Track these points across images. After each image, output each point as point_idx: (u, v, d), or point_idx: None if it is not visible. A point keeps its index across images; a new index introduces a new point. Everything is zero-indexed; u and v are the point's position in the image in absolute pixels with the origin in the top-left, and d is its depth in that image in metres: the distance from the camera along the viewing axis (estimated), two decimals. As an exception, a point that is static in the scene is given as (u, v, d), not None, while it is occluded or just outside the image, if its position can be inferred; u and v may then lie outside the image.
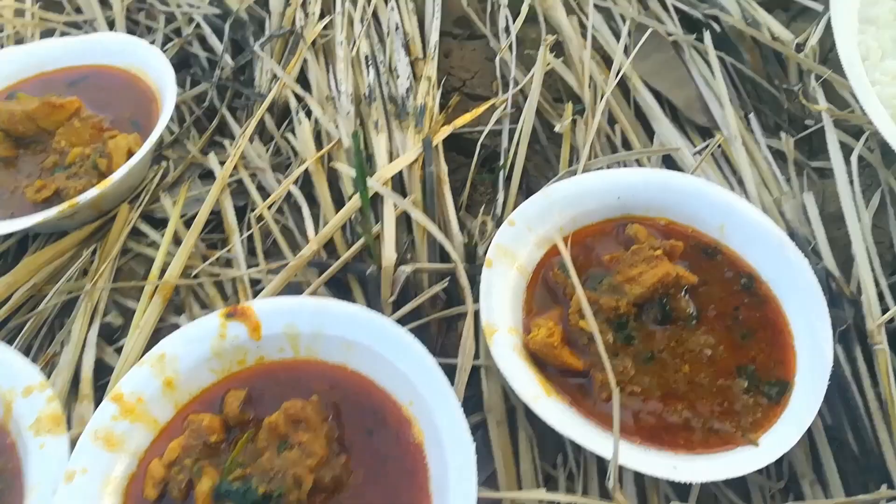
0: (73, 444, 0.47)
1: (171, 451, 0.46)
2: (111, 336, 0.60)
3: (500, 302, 0.55)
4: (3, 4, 0.82)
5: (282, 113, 0.74)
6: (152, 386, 0.48)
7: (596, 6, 0.78)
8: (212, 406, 0.49)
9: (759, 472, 0.51)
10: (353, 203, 0.62)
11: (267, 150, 0.71)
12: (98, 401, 0.55)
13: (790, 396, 0.52)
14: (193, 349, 0.50)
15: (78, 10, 0.85)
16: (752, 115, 0.72)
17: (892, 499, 0.48)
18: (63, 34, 0.82)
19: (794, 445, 0.49)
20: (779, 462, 0.52)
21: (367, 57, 0.75)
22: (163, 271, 0.62)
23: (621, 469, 0.48)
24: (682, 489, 0.50)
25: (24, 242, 0.66)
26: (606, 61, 0.75)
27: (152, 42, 0.80)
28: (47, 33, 0.82)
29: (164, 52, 0.75)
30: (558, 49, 0.75)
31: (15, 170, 0.67)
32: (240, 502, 0.43)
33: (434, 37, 0.77)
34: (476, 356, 0.55)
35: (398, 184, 0.65)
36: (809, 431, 0.52)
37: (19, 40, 0.81)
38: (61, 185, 0.64)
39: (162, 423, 0.48)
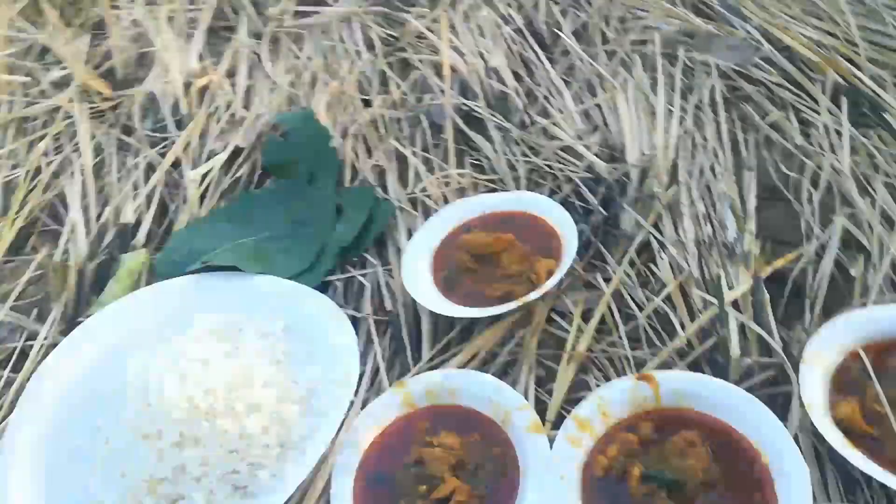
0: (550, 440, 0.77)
1: (610, 451, 0.74)
2: (539, 383, 0.90)
3: (812, 388, 0.78)
4: (452, 172, 1.19)
5: (640, 248, 1.02)
6: (594, 413, 0.76)
7: (884, 183, 1.01)
8: (629, 429, 0.76)
9: None
10: (707, 315, 0.89)
11: (632, 272, 0.99)
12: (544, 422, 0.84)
13: None
14: (618, 395, 0.77)
15: (493, 171, 1.19)
16: None
17: None
18: (484, 189, 1.16)
19: None
20: None
21: (703, 215, 1.02)
22: (573, 347, 0.91)
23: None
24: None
25: (472, 320, 0.98)
26: (889, 222, 0.96)
27: (542, 193, 1.13)
28: (474, 187, 1.17)
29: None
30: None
31: (476, 277, 0.99)
32: (660, 482, 0.69)
33: (751, 202, 1.02)
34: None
35: (734, 305, 0.91)
36: None
37: (461, 191, 1.16)
38: (508, 288, 0.96)
39: (599, 435, 0.76)
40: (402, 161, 1.24)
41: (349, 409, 0.84)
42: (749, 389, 0.81)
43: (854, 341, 0.82)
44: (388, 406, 0.84)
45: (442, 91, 1.30)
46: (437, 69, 1.35)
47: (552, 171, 1.16)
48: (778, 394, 0.81)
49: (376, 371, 0.93)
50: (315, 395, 0.87)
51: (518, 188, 1.14)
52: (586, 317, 0.94)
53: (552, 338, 0.95)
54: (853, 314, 0.83)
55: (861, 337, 0.82)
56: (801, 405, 0.77)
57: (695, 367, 0.86)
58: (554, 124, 1.21)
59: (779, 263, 0.94)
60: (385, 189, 1.19)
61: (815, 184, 1.03)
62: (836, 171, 1.03)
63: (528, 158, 1.18)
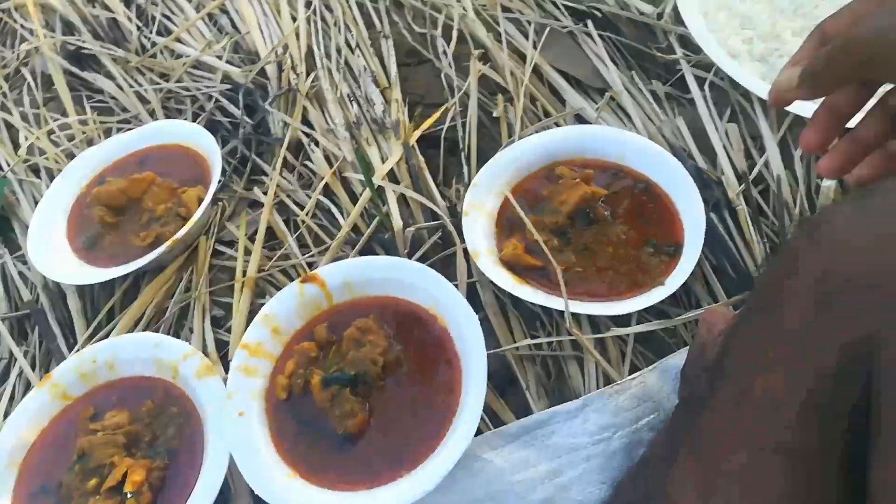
0: (223, 380, 0.69)
1: (288, 368, 0.67)
2: (219, 324, 0.81)
3: (478, 237, 0.76)
4: (70, 120, 1.03)
5: (295, 149, 0.95)
6: (264, 334, 0.70)
7: (505, 18, 1.00)
8: (307, 337, 0.70)
9: (675, 304, 0.73)
10: (365, 196, 0.84)
11: (293, 177, 0.92)
12: (224, 364, 0.76)
13: (682, 252, 0.73)
14: (286, 306, 0.71)
15: (124, 110, 1.05)
16: (633, 73, 0.93)
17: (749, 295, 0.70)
18: (119, 130, 1.03)
19: (692, 280, 0.70)
20: (688, 295, 0.73)
21: (348, 95, 0.96)
22: (243, 273, 0.83)
23: (577, 316, 0.70)
24: (620, 321, 0.71)
25: (136, 280, 0.87)
26: (521, 57, 0.97)
27: (185, 119, 1.01)
28: (107, 132, 1.03)
29: (197, 124, 0.96)
30: (485, 57, 0.97)
31: (120, 231, 0.87)
32: (340, 382, 0.64)
33: (393, 69, 0.98)
34: (469, 276, 0.77)
35: (393, 177, 0.87)
36: (702, 270, 0.72)
37: (90, 141, 1.02)
38: (158, 232, 0.84)
39: (276, 355, 0.70)
40: (12, 129, 1.06)
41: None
42: (424, 257, 0.79)
43: (508, 181, 0.81)
44: (38, 408, 0.71)
45: (34, 34, 1.10)
46: (24, 11, 1.15)
47: (190, 93, 1.03)
48: (453, 253, 0.79)
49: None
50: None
51: (157, 120, 1.01)
52: (255, 238, 0.86)
53: (225, 271, 0.86)
54: (500, 156, 0.82)
55: (512, 175, 0.81)
56: (468, 260, 0.75)
57: (368, 252, 0.81)
58: (178, 41, 1.08)
59: (426, 125, 0.91)
60: (-1, 164, 1.01)
61: (448, 37, 1.00)
62: (464, 19, 1.01)
63: (158, 85, 1.04)
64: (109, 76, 1.07)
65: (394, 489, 0.59)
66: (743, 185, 0.77)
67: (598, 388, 0.67)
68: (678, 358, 0.66)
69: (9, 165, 0.99)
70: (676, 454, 0.47)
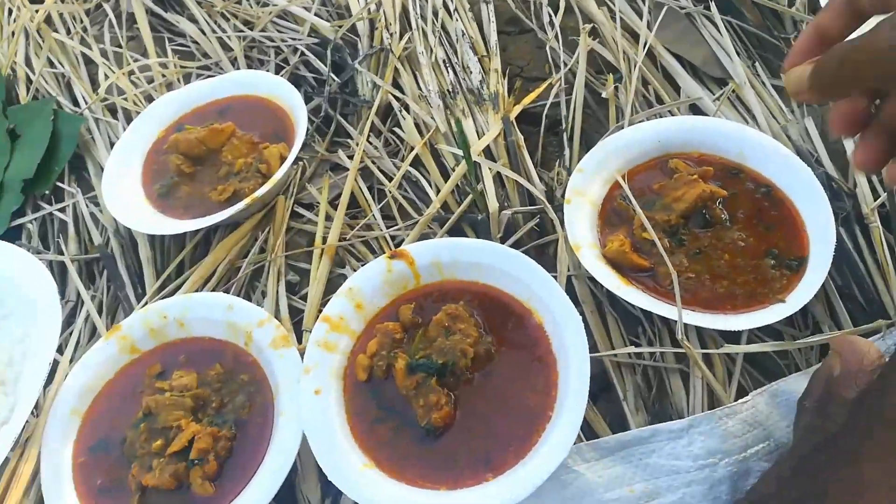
0: (300, 353, 0.65)
1: (371, 348, 0.63)
2: (293, 290, 0.77)
3: (580, 227, 0.71)
4: (151, 62, 1.00)
5: (384, 113, 0.90)
6: (348, 309, 0.65)
7: (620, -7, 0.94)
8: (391, 317, 0.65)
9: (790, 324, 0.66)
10: (459, 171, 0.79)
11: (380, 143, 0.87)
12: (297, 333, 0.72)
13: (806, 266, 0.66)
14: (372, 282, 0.66)
15: (205, 56, 1.02)
16: (757, 64, 0.86)
17: (889, 325, 0.63)
18: (198, 76, 0.99)
19: (813, 300, 0.63)
20: (804, 315, 0.67)
21: (444, 61, 0.91)
22: (323, 239, 0.79)
23: (685, 326, 0.64)
24: (731, 337, 0.65)
25: (208, 234, 0.83)
26: (634, 36, 0.90)
27: (268, 70, 0.97)
28: (186, 77, 0.99)
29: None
30: (594, 32, 0.91)
31: (197, 182, 0.84)
32: (427, 371, 0.59)
33: (493, 37, 0.93)
34: (567, 269, 0.71)
35: (488, 153, 0.81)
36: (825, 290, 0.66)
37: (169, 85, 0.98)
38: (236, 187, 0.81)
39: (358, 332, 0.65)
40: (91, 64, 1.02)
41: (50, 376, 0.67)
42: (517, 243, 0.74)
43: (615, 169, 0.75)
44: (106, 359, 0.68)
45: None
46: (113, -55, 1.11)
47: (274, 44, 0.99)
48: (550, 242, 0.74)
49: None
50: (13, 365, 0.69)
51: (237, 69, 0.97)
52: (336, 203, 0.81)
53: (302, 235, 0.82)
54: (608, 141, 0.76)
55: (621, 163, 0.76)
56: (569, 250, 0.69)
57: (457, 232, 0.76)
58: (265, -12, 1.04)
59: (528, 100, 0.86)
60: (76, 101, 0.98)
61: (555, 7, 0.94)
62: (572, -11, 0.94)
63: (242, 33, 1.00)
64: (193, 20, 1.03)
65: (479, 492, 0.55)
66: (881, 200, 0.70)
67: (702, 406, 0.61)
68: (791, 384, 0.60)
69: (86, 102, 0.95)
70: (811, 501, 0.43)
